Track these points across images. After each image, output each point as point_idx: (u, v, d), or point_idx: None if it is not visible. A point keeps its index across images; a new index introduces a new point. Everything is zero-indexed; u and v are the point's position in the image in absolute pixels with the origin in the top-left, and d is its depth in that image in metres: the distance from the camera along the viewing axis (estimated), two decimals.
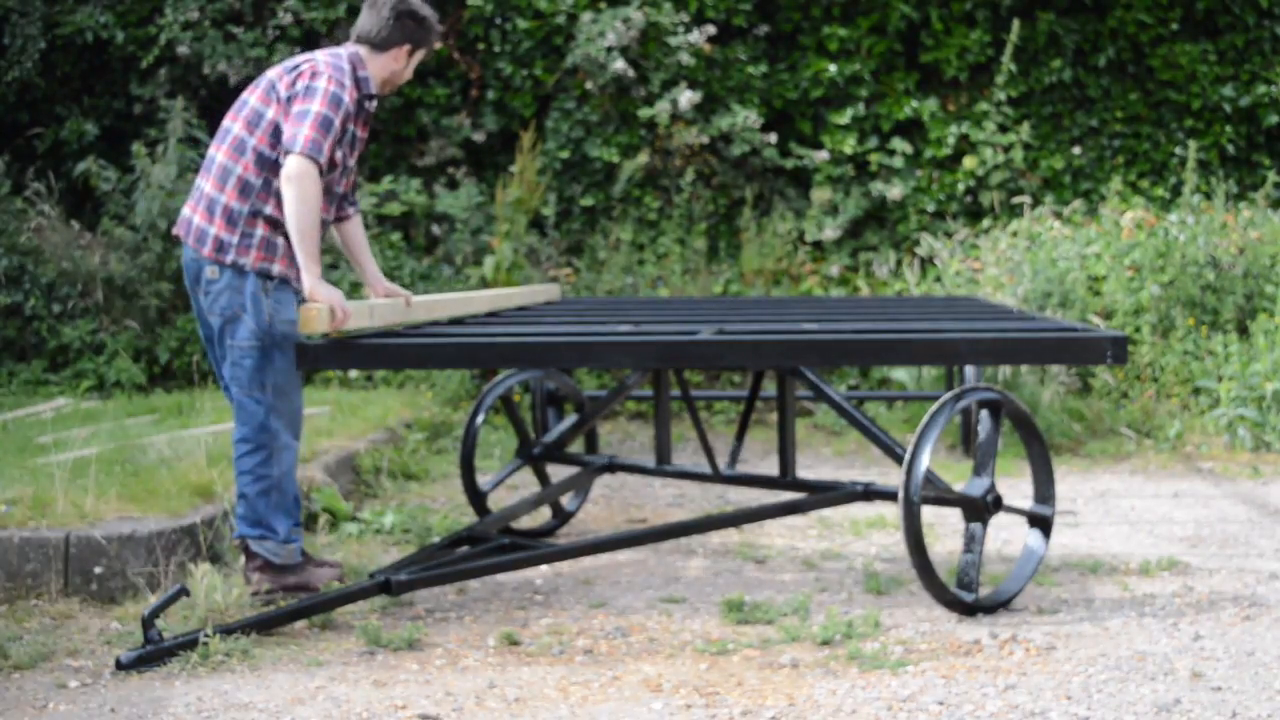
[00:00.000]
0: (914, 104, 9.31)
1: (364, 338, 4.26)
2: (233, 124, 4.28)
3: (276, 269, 4.22)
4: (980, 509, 4.31)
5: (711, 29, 9.22)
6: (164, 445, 5.57)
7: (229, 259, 4.19)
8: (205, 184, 4.27)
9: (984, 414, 4.36)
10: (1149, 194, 9.28)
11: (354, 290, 8.55)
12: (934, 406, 4.28)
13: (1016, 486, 6.04)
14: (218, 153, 4.27)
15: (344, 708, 3.45)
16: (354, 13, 9.29)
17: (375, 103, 4.36)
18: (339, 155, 4.25)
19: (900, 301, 6.35)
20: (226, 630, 3.90)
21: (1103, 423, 7.46)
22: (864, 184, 9.30)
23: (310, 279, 4.08)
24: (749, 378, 7.56)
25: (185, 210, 4.31)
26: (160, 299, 8.41)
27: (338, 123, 4.15)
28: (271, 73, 4.30)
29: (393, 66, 4.35)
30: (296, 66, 4.26)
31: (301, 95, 4.17)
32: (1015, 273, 7.98)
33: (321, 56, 4.27)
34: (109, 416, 6.68)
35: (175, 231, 4.36)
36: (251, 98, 4.28)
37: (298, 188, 4.07)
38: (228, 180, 4.23)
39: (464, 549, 4.56)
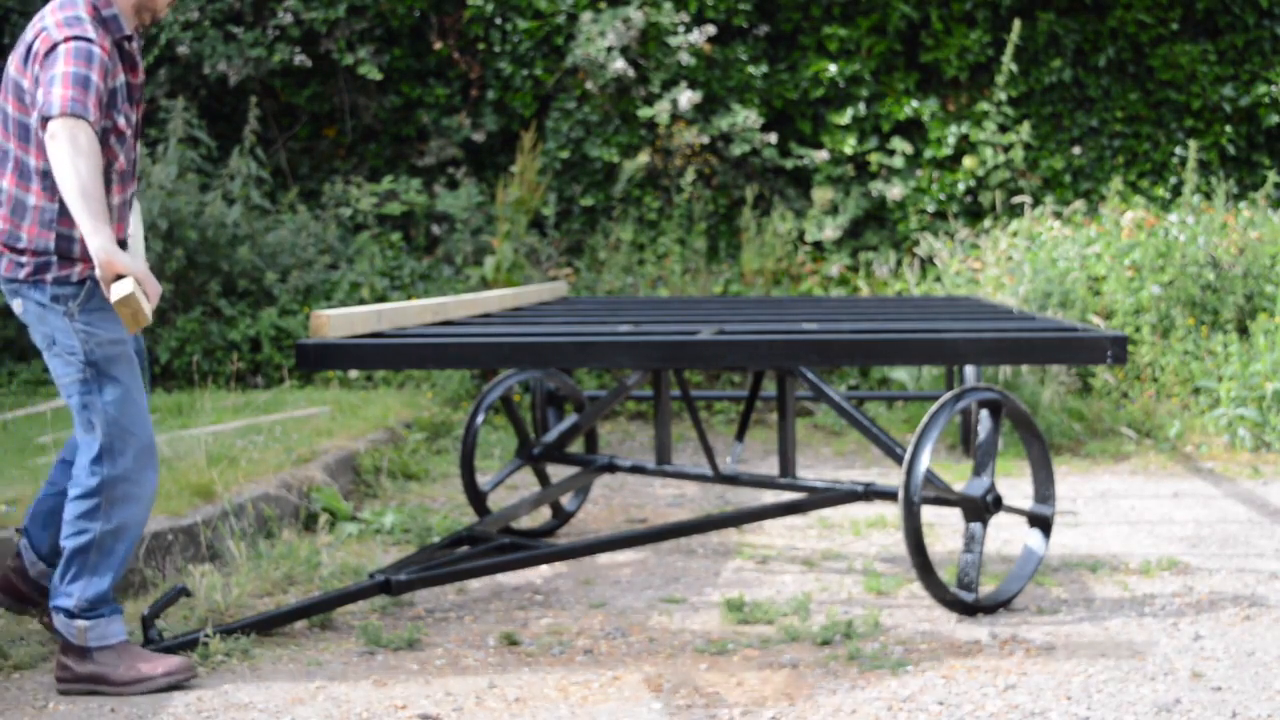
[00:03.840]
0: (914, 104, 9.31)
1: (364, 338, 4.26)
2: (5, 141, 3.61)
3: (76, 272, 3.58)
4: (980, 509, 4.31)
5: (711, 29, 9.23)
6: (164, 445, 5.57)
7: (23, 275, 3.58)
8: (3, 219, 3.61)
9: (984, 414, 4.36)
10: (1149, 194, 9.28)
11: (355, 291, 8.55)
12: (934, 406, 4.28)
13: (1016, 486, 6.04)
14: (3, 179, 3.61)
15: (344, 708, 3.45)
16: (354, 12, 9.30)
17: (140, 41, 3.69)
18: (121, 119, 3.58)
19: (900, 301, 6.35)
20: (226, 630, 3.90)
21: (1103, 423, 7.46)
22: (864, 184, 9.30)
23: (104, 241, 3.34)
24: (749, 378, 7.56)
25: None
26: (160, 299, 8.40)
27: (97, 78, 3.44)
28: (11, 68, 3.59)
29: None
30: (30, 47, 3.55)
31: (43, 67, 3.48)
32: (1015, 273, 7.98)
33: (51, 19, 3.54)
34: None
35: None
36: (9, 105, 3.60)
37: (69, 143, 3.36)
38: (20, 210, 3.59)
39: (464, 549, 4.56)
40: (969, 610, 4.23)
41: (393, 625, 4.14)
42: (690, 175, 9.00)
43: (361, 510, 5.71)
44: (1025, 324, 4.69)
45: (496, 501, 5.86)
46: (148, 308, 3.35)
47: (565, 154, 9.19)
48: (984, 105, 9.26)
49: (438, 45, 9.49)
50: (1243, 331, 7.86)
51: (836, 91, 9.36)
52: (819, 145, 9.37)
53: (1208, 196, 9.11)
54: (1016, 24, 9.11)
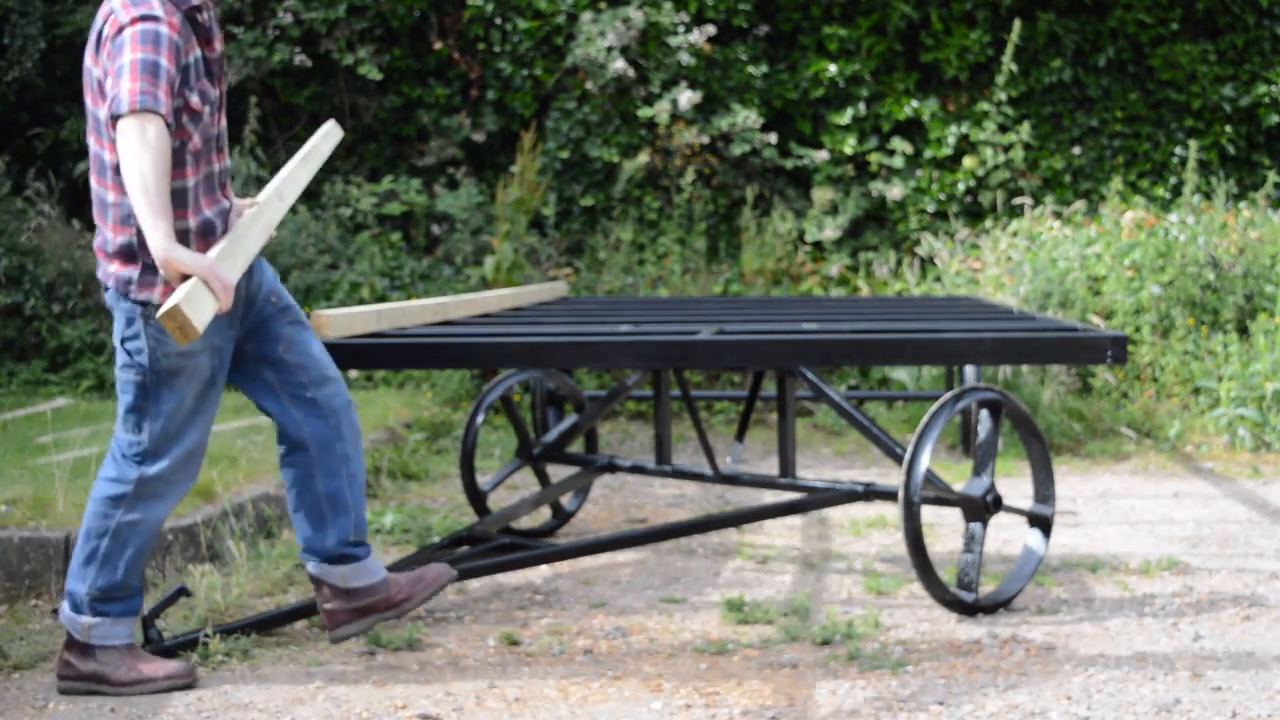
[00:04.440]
0: (914, 104, 9.31)
1: (364, 338, 4.26)
2: (88, 137, 3.52)
3: (156, 296, 3.48)
4: (980, 509, 4.31)
5: (711, 29, 9.22)
6: None
7: (112, 284, 3.52)
8: (95, 216, 3.57)
9: (984, 414, 4.36)
10: (1149, 194, 9.28)
11: (355, 291, 8.55)
12: (934, 406, 4.28)
13: (1016, 486, 6.04)
14: (91, 175, 3.54)
15: (344, 708, 3.45)
16: (354, 12, 9.30)
17: (214, 10, 3.53)
18: (194, 97, 3.44)
19: (900, 301, 6.35)
20: (226, 630, 3.90)
21: (1103, 423, 7.46)
22: (864, 184, 9.30)
23: (160, 238, 3.21)
24: (749, 378, 7.56)
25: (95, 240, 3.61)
26: None
27: (167, 62, 3.31)
28: (87, 61, 3.48)
29: None
30: (100, 33, 3.42)
31: (111, 56, 3.34)
32: (1015, 273, 7.98)
33: (117, 0, 3.40)
34: (109, 416, 6.67)
35: None
36: (87, 99, 3.50)
37: (137, 139, 3.23)
38: (103, 209, 3.52)
39: (464, 549, 4.56)
40: (969, 610, 4.23)
41: (393, 625, 4.14)
42: (690, 175, 9.00)
43: None
44: (1025, 324, 4.69)
45: (496, 501, 5.86)
46: (199, 320, 3.13)
47: (565, 154, 9.19)
48: (984, 105, 9.26)
49: (438, 45, 9.49)
50: (1243, 331, 7.86)
51: (836, 91, 9.36)
52: (819, 145, 9.37)
53: (1208, 196, 9.11)
54: (1016, 24, 9.11)
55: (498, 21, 9.42)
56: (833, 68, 9.29)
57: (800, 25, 9.48)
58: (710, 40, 9.31)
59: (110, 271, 3.51)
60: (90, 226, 8.88)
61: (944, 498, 4.36)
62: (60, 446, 5.57)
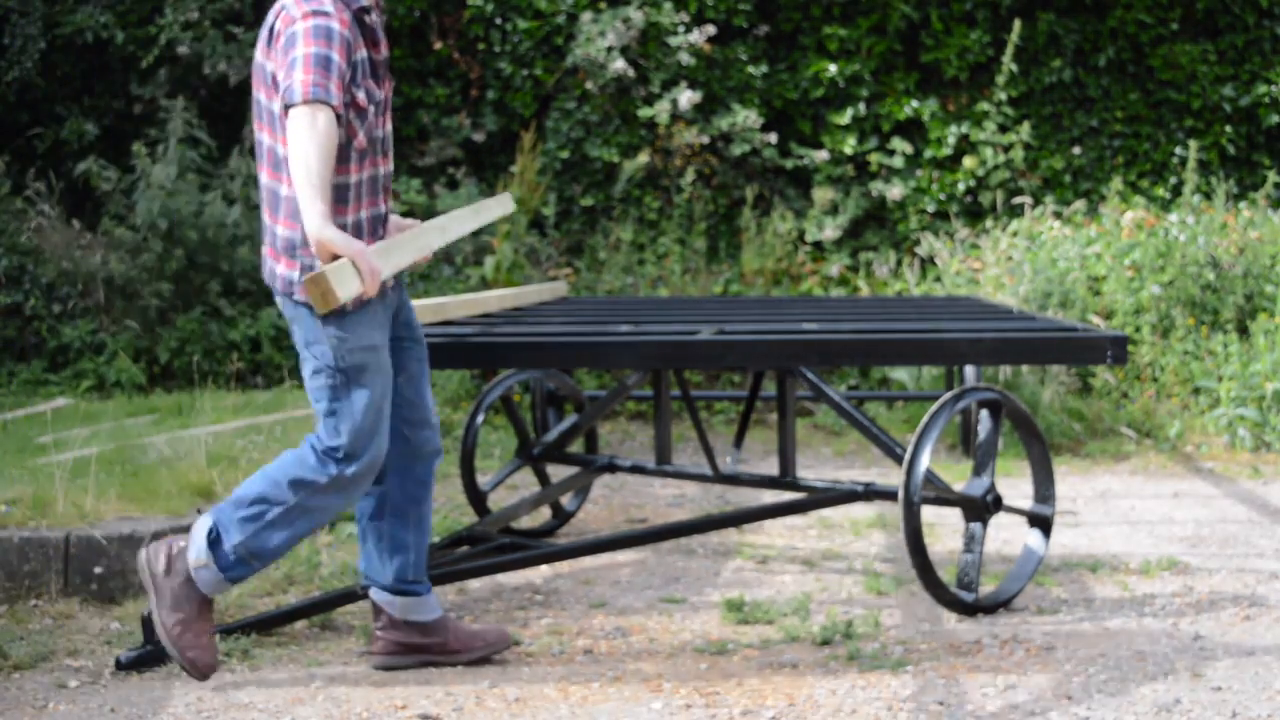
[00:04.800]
0: (914, 104, 9.31)
1: None
2: (259, 132, 3.57)
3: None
4: (980, 509, 4.31)
5: (711, 29, 9.22)
6: (164, 445, 5.57)
7: (296, 296, 3.53)
8: (264, 214, 3.60)
9: (984, 414, 4.36)
10: (1149, 194, 9.28)
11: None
12: (934, 406, 4.28)
13: (1016, 486, 6.03)
14: (260, 172, 3.59)
15: (344, 708, 3.45)
16: None
17: (381, 15, 3.61)
18: (360, 94, 3.50)
19: (900, 301, 6.35)
20: (226, 630, 3.90)
21: (1103, 423, 7.46)
22: (864, 184, 9.30)
23: (316, 217, 3.22)
24: (749, 378, 7.56)
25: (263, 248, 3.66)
26: (160, 299, 8.41)
27: (337, 55, 3.38)
28: (258, 55, 3.55)
29: None
30: (272, 29, 3.50)
31: (283, 50, 3.42)
32: (1015, 273, 7.98)
33: None
34: (109, 416, 6.68)
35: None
36: (259, 94, 3.56)
37: (307, 127, 3.28)
38: (274, 203, 3.55)
39: (464, 549, 4.56)
40: (969, 610, 4.23)
41: None
42: (690, 175, 9.00)
43: None
44: (1025, 324, 4.69)
45: (496, 501, 5.86)
46: (342, 291, 3.12)
47: (565, 154, 9.19)
48: (984, 105, 9.26)
49: (438, 45, 9.49)
50: (1243, 331, 7.86)
51: (836, 91, 9.36)
52: (819, 145, 9.37)
53: (1208, 196, 9.11)
54: (1016, 24, 9.11)
55: (498, 21, 9.42)
56: (833, 68, 9.29)
57: (800, 25, 9.48)
58: (710, 40, 9.31)
59: (277, 272, 3.55)
60: (90, 227, 8.88)
61: (944, 498, 4.36)
62: (60, 446, 5.57)
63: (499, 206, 4.29)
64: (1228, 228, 8.11)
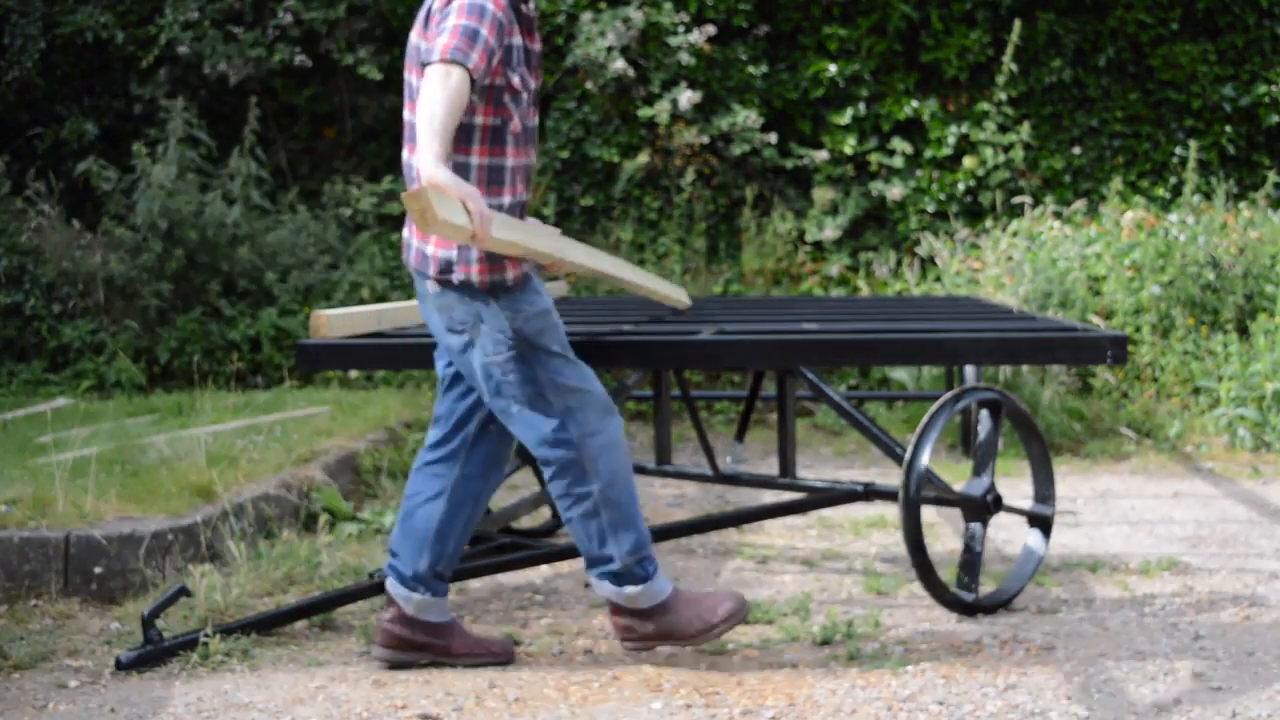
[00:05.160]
0: (914, 104, 9.31)
1: (364, 338, 4.26)
2: (411, 114, 3.58)
3: (510, 276, 3.61)
4: (980, 509, 4.31)
5: (711, 29, 9.22)
6: (164, 445, 5.57)
7: (455, 279, 3.57)
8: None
9: (984, 414, 4.36)
10: (1149, 194, 9.28)
11: (356, 291, 8.55)
12: (934, 406, 4.28)
13: (1016, 486, 6.04)
14: (408, 154, 3.61)
15: (344, 708, 3.45)
16: (354, 12, 9.30)
17: (536, 9, 3.65)
18: (516, 78, 3.55)
19: (900, 301, 6.35)
20: (226, 630, 3.90)
21: (1103, 423, 7.46)
22: (864, 184, 9.30)
23: (431, 158, 3.21)
24: (749, 378, 7.56)
25: (404, 231, 3.67)
26: (160, 299, 8.42)
27: (487, 32, 3.39)
28: (413, 37, 3.60)
29: None
30: (429, 10, 3.55)
31: (437, 26, 3.46)
32: (1015, 273, 7.98)
33: None
34: (109, 416, 6.68)
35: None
36: (411, 75, 3.59)
37: (439, 82, 3.28)
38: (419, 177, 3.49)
39: (464, 549, 4.55)
40: (969, 610, 4.23)
41: None
42: (690, 175, 9.00)
43: (361, 510, 5.71)
44: (1025, 324, 4.69)
45: (496, 501, 5.86)
46: (442, 213, 3.06)
47: (565, 154, 9.19)
48: (984, 105, 9.26)
49: None
50: (1243, 331, 7.86)
51: (836, 91, 9.36)
52: (819, 145, 9.37)
53: (1208, 196, 9.11)
54: (1016, 24, 9.11)
55: None
56: (833, 68, 9.29)
57: (800, 25, 9.48)
58: (710, 40, 9.31)
59: (428, 254, 3.58)
60: (90, 227, 8.89)
61: (944, 498, 4.36)
62: (60, 446, 5.57)
63: (672, 293, 4.42)
64: (1228, 228, 8.11)
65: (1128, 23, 9.34)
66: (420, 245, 3.61)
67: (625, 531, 3.64)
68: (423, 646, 3.78)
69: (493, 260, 3.56)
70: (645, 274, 4.28)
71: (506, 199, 3.61)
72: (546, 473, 3.64)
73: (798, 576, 4.77)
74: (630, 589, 3.66)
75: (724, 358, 4.15)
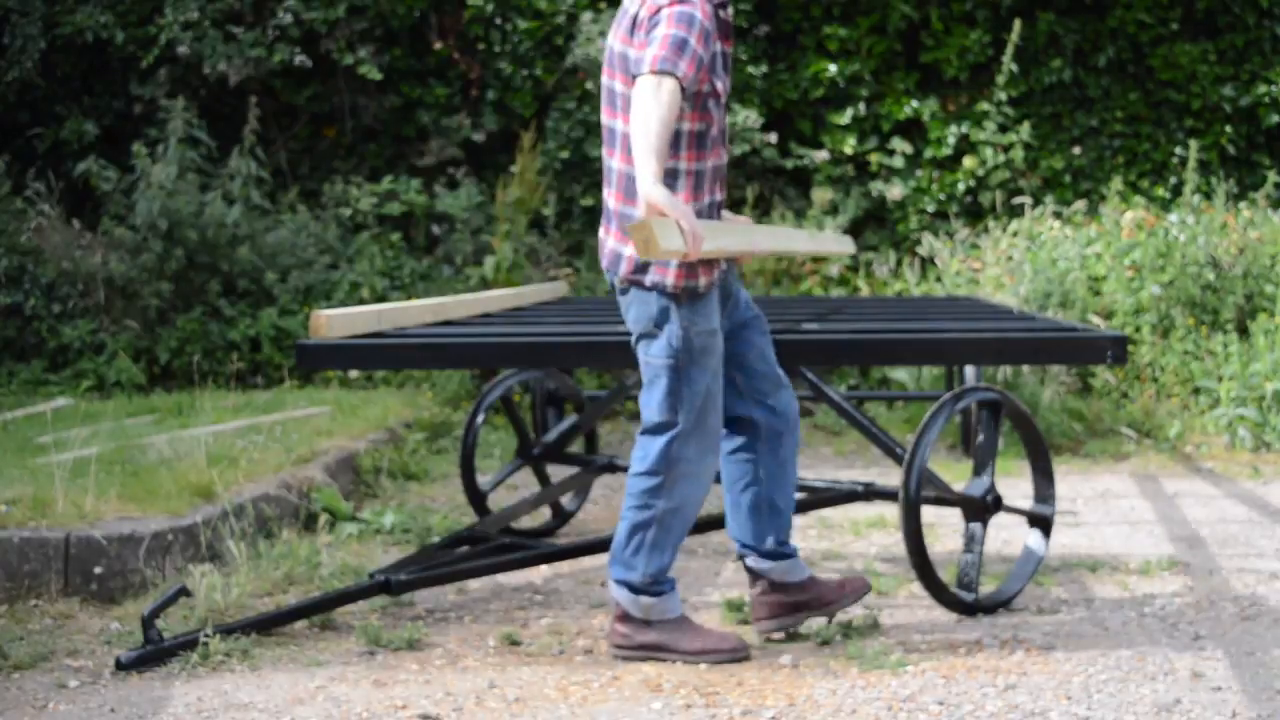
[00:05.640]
0: (914, 104, 9.31)
1: (364, 338, 4.26)
2: (612, 120, 3.68)
3: (702, 283, 3.68)
4: (980, 509, 4.31)
5: None
6: (164, 445, 5.57)
7: (647, 281, 3.66)
8: (607, 196, 3.71)
9: (984, 414, 4.36)
10: (1149, 194, 9.28)
11: (356, 291, 8.55)
12: (934, 406, 4.28)
13: (1016, 486, 6.03)
14: (611, 158, 3.69)
15: (344, 708, 3.45)
16: (354, 12, 9.30)
17: (731, 9, 3.71)
18: (719, 84, 3.62)
19: (900, 301, 6.35)
20: (226, 630, 3.90)
21: (1103, 423, 7.45)
22: (864, 184, 9.31)
23: (649, 176, 3.29)
24: None
25: (600, 233, 3.77)
26: (160, 299, 8.42)
27: (695, 41, 3.46)
28: (615, 42, 3.65)
29: None
30: (634, 18, 3.60)
31: (646, 34, 3.53)
32: (1015, 273, 7.98)
33: None
34: (109, 416, 6.68)
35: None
36: (613, 81, 3.65)
37: (651, 94, 3.36)
38: (627, 186, 3.64)
39: (464, 549, 4.56)
40: (969, 610, 4.22)
41: (393, 625, 4.14)
42: None
43: (361, 510, 5.71)
44: (1025, 324, 4.69)
45: (496, 501, 5.86)
46: (665, 243, 3.18)
47: (565, 154, 9.19)
48: (984, 105, 9.26)
49: (438, 45, 9.50)
50: (1243, 331, 7.86)
51: (836, 91, 9.36)
52: (819, 145, 9.37)
53: (1208, 196, 9.11)
54: (1016, 24, 9.11)
55: (498, 21, 9.42)
56: (833, 68, 9.29)
57: (800, 25, 9.48)
58: None
59: (624, 255, 3.68)
60: (90, 227, 8.89)
61: (944, 498, 4.36)
62: (60, 446, 5.57)
63: (837, 244, 4.57)
64: (1228, 228, 8.11)
65: (1128, 23, 9.34)
66: (616, 246, 3.71)
67: (660, 554, 3.79)
68: (800, 605, 3.97)
69: (689, 268, 3.66)
70: (817, 237, 4.42)
71: (705, 200, 3.72)
72: (635, 468, 3.76)
73: None
74: (645, 599, 3.79)
75: None
